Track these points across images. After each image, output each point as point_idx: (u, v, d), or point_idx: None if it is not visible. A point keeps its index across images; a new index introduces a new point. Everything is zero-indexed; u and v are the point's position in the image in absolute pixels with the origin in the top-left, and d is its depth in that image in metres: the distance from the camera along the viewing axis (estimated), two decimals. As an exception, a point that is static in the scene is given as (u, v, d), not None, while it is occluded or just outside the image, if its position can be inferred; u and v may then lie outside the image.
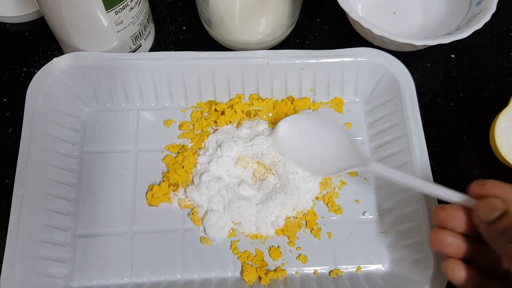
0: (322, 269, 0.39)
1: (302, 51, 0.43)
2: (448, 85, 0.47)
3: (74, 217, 0.40)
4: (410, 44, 0.42)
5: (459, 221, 0.31)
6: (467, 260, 0.31)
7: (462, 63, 0.48)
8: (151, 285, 0.37)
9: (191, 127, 0.44)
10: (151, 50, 0.48)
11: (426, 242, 0.36)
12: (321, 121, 0.43)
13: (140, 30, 0.44)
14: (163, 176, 0.41)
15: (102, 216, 0.40)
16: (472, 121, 0.45)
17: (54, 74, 0.41)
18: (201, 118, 0.44)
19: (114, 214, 0.40)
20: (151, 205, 0.40)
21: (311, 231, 0.40)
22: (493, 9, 0.43)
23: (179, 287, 0.37)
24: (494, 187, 0.31)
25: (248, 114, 0.44)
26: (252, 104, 0.44)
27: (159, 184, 0.41)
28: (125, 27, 0.42)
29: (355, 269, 0.39)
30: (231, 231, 0.40)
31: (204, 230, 0.39)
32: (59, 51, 0.47)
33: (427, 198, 0.37)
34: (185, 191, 0.41)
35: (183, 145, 0.43)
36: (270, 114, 0.44)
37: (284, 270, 0.38)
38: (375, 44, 0.46)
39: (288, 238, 0.40)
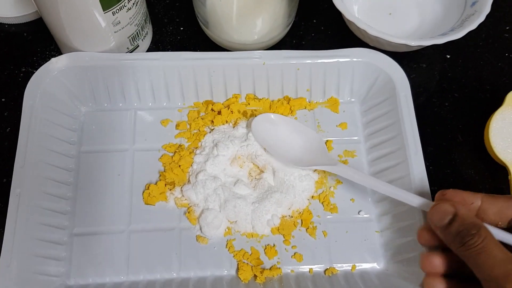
0: (318, 268, 0.39)
1: (298, 52, 0.43)
2: (443, 85, 0.48)
3: (71, 216, 0.40)
4: (405, 44, 0.42)
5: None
6: (451, 272, 0.31)
7: (457, 63, 0.49)
8: (147, 283, 0.38)
9: (188, 126, 0.44)
10: (149, 50, 0.48)
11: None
12: (297, 122, 0.43)
13: (137, 31, 0.44)
14: (160, 175, 0.42)
15: (99, 215, 0.40)
16: (467, 120, 0.46)
17: (52, 74, 0.41)
18: (197, 117, 0.44)
19: (111, 213, 0.40)
20: (147, 204, 0.41)
21: (306, 230, 0.40)
22: (487, 10, 0.43)
23: (175, 285, 0.37)
24: (453, 195, 0.32)
25: (244, 114, 0.44)
26: (249, 104, 0.45)
27: (156, 183, 0.41)
28: (122, 28, 0.42)
29: (350, 268, 0.39)
30: (227, 230, 0.40)
31: (200, 229, 0.40)
32: (57, 52, 0.48)
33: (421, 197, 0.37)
34: (181, 190, 0.41)
35: (179, 145, 0.43)
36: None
37: (279, 268, 0.38)
38: (371, 44, 0.46)
39: (284, 237, 0.40)
